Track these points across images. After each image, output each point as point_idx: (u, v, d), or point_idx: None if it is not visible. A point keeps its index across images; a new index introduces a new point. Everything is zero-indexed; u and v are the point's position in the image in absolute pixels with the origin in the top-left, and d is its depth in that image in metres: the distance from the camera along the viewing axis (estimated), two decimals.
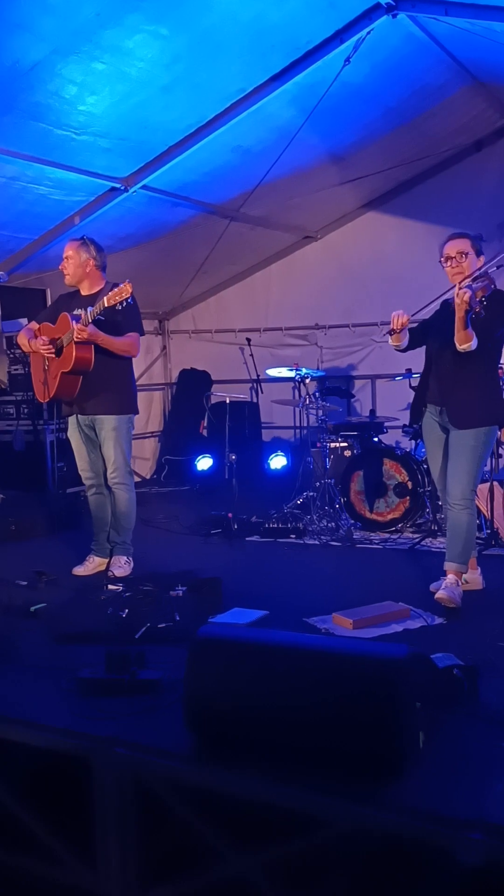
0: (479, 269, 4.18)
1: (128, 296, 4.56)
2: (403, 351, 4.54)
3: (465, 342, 4.06)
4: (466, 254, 4.24)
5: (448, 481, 4.34)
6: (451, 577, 4.27)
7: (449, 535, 4.40)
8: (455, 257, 4.27)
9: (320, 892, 2.36)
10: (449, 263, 4.30)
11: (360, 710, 2.40)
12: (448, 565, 4.31)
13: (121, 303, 4.58)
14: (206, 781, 2.46)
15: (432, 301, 4.41)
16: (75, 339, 4.71)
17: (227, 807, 2.42)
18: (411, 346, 4.52)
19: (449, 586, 4.20)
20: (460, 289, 3.93)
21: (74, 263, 4.99)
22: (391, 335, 4.37)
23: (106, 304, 4.60)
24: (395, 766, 2.39)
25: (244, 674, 2.60)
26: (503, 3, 4.80)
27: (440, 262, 4.35)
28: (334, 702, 2.44)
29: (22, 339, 5.18)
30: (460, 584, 4.27)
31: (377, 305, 8.57)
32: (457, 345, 4.08)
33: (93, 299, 4.89)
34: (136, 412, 5.19)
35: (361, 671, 2.49)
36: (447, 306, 4.24)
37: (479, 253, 4.28)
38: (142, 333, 5.06)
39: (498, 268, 4.16)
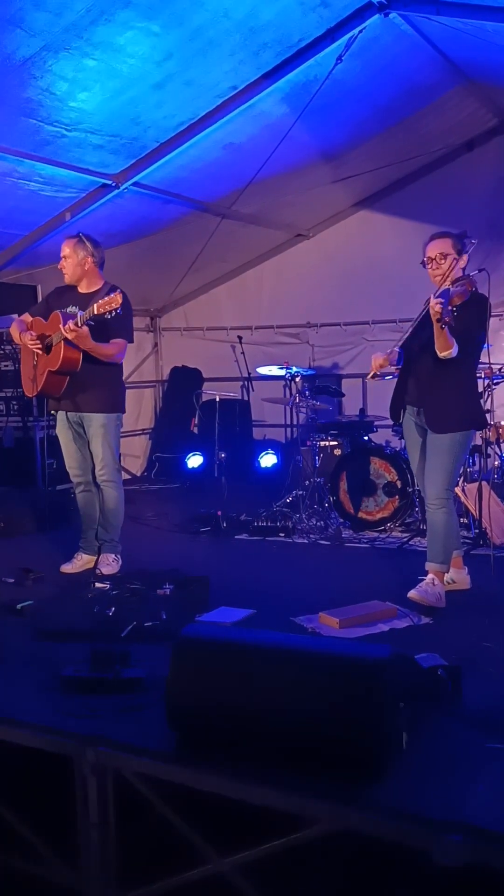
0: (463, 268, 4.19)
1: (117, 306, 4.57)
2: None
3: (445, 350, 4.05)
4: (447, 255, 4.21)
5: (424, 481, 4.36)
6: (427, 577, 4.28)
7: (428, 535, 4.42)
8: (435, 259, 4.26)
9: (301, 892, 2.36)
10: (430, 265, 4.30)
11: (344, 710, 2.40)
12: (428, 565, 4.32)
13: (110, 312, 4.59)
14: (188, 780, 2.46)
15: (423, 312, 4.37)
16: (65, 337, 4.70)
17: (208, 806, 2.42)
18: None
19: (422, 586, 4.21)
20: (433, 298, 3.93)
21: (72, 263, 4.96)
22: (373, 378, 4.38)
23: (95, 312, 4.60)
24: (377, 767, 2.39)
25: (227, 673, 2.60)
26: (495, 3, 4.81)
27: (422, 262, 4.35)
28: (317, 702, 2.44)
29: (13, 331, 5.16)
30: (439, 583, 4.27)
31: (369, 304, 8.59)
32: (437, 352, 4.08)
33: (88, 298, 4.89)
34: (124, 411, 5.18)
35: (345, 672, 2.48)
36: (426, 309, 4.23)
37: (460, 252, 4.23)
38: (130, 340, 5.03)
39: (480, 271, 4.15)
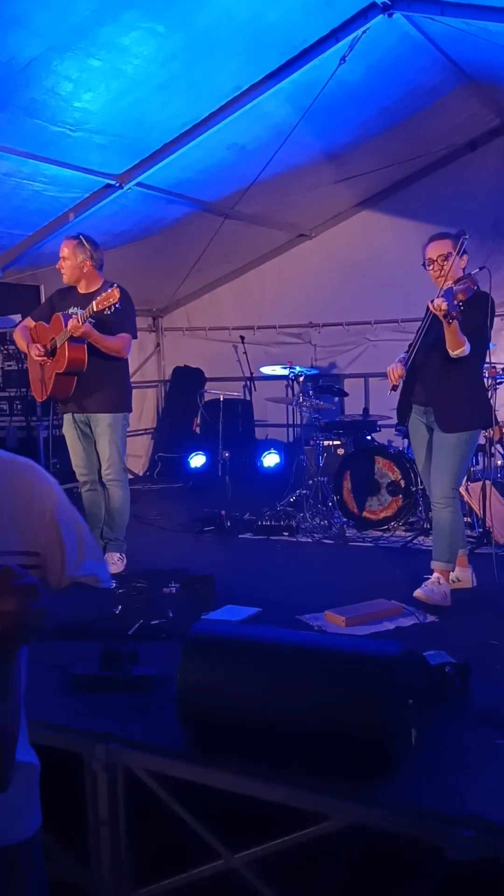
0: (463, 267, 4.20)
1: (115, 301, 4.57)
2: None
3: (458, 347, 4.06)
4: (448, 256, 4.23)
5: (430, 480, 4.37)
6: (433, 576, 4.29)
7: (434, 533, 4.43)
8: (437, 261, 4.27)
9: (312, 889, 2.38)
10: (431, 267, 4.30)
11: (353, 707, 2.41)
12: (434, 564, 4.33)
13: (109, 308, 4.60)
14: (199, 778, 2.47)
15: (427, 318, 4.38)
16: (71, 334, 4.71)
17: (219, 803, 2.43)
18: None
19: (428, 585, 4.22)
20: (437, 298, 3.94)
21: (71, 264, 4.97)
22: (395, 390, 4.37)
23: (94, 309, 4.61)
24: (387, 763, 2.41)
25: (237, 671, 2.61)
26: (499, 4, 4.82)
27: (423, 264, 4.35)
28: (327, 699, 2.45)
29: (18, 339, 5.16)
30: (446, 582, 4.28)
31: (371, 304, 8.59)
32: (449, 351, 4.09)
33: (89, 298, 4.90)
34: (130, 410, 5.20)
35: (354, 668, 2.50)
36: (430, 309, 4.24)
37: (461, 252, 4.24)
38: (134, 336, 5.04)
39: (481, 269, 4.17)
